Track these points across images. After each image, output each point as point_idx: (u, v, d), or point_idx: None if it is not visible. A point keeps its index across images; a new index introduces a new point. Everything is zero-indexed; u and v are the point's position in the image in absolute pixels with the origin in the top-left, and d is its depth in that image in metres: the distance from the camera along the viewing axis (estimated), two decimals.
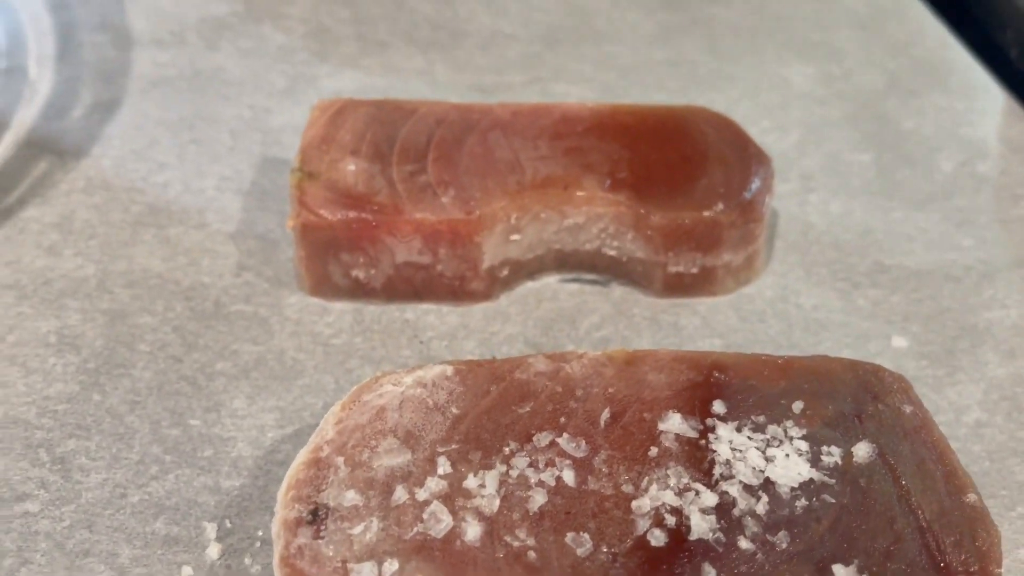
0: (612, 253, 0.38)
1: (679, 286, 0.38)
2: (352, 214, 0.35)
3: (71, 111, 0.44)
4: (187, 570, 0.28)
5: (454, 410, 0.28)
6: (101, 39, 0.48)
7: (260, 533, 0.29)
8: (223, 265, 0.38)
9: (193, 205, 0.40)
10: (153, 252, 0.38)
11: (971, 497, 0.28)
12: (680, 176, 0.38)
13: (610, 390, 0.29)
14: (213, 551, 0.29)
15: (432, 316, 0.37)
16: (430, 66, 0.50)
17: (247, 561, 0.29)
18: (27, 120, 0.43)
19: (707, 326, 0.38)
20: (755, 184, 0.38)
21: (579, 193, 0.37)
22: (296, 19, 0.52)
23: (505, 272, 0.38)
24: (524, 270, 0.39)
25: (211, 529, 0.29)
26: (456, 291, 0.37)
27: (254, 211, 0.41)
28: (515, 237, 0.37)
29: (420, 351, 0.36)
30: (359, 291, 0.37)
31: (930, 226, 0.43)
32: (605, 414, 0.29)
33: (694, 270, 0.38)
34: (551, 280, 0.39)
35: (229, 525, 0.30)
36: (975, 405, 0.35)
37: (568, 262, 0.39)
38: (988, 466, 0.33)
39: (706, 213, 0.36)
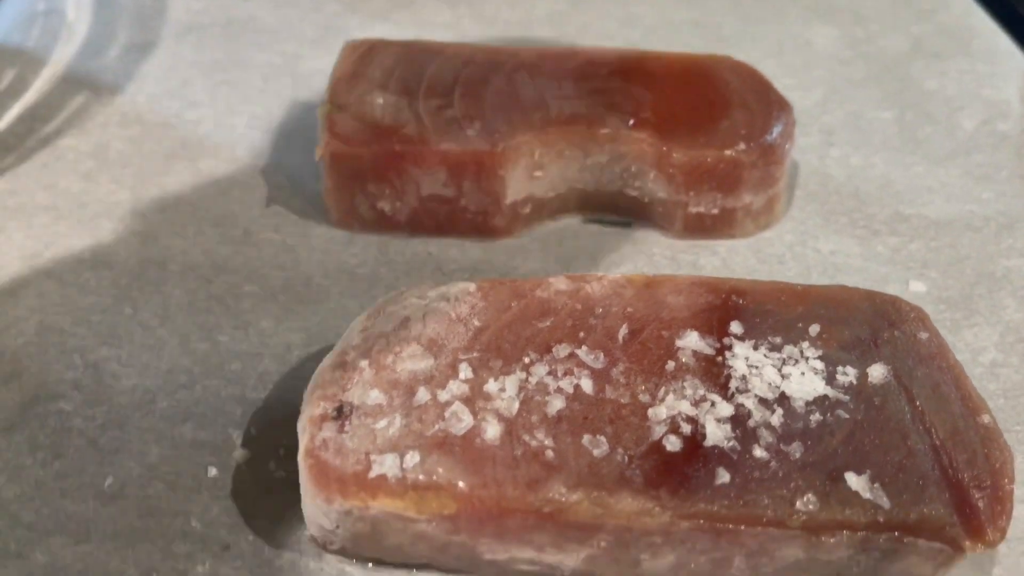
0: (634, 194, 0.39)
1: (699, 227, 0.39)
2: (379, 144, 0.36)
3: (108, 51, 0.45)
4: (213, 471, 0.29)
5: (476, 322, 0.29)
6: None
7: (284, 442, 0.30)
8: (252, 196, 0.39)
9: (224, 141, 0.41)
10: (185, 182, 0.39)
11: (985, 418, 0.28)
12: (702, 118, 0.38)
13: (629, 309, 0.30)
14: (239, 455, 0.30)
15: (455, 250, 0.38)
16: (458, 20, 0.51)
17: (271, 466, 0.29)
18: (64, 58, 0.44)
19: (726, 266, 0.38)
20: (776, 128, 0.38)
21: (602, 131, 0.37)
22: None
23: (528, 209, 0.39)
24: (546, 209, 0.39)
25: (237, 436, 0.30)
26: (479, 226, 0.38)
27: (283, 148, 0.41)
28: (538, 174, 0.38)
29: (442, 282, 0.36)
30: (384, 223, 0.38)
31: (950, 180, 0.43)
32: (623, 330, 0.29)
33: (714, 211, 0.38)
34: (573, 221, 0.40)
35: (254, 432, 0.30)
36: (991, 346, 0.35)
37: (590, 203, 0.40)
38: (1003, 403, 0.33)
39: (727, 152, 0.37)
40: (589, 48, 0.41)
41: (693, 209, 0.38)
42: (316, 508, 0.26)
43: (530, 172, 0.38)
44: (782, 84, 0.48)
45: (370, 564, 0.27)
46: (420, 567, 0.27)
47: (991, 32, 0.53)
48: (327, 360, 0.28)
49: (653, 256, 0.38)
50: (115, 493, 0.28)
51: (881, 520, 0.25)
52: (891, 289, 0.38)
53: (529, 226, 0.39)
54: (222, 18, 0.49)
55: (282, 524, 0.28)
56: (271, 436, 0.30)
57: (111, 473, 0.28)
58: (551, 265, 0.38)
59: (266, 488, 0.29)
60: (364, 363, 0.28)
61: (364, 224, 0.38)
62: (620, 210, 0.40)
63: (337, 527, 0.26)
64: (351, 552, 0.27)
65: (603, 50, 0.41)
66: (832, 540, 0.25)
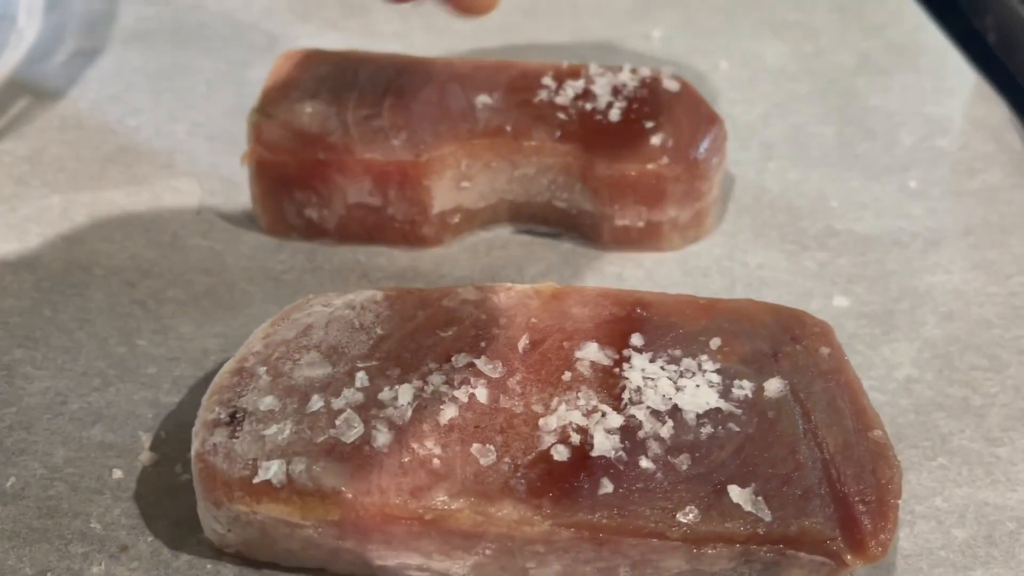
0: (562, 205, 0.39)
1: (626, 240, 0.39)
2: (303, 152, 0.36)
3: (54, 56, 0.45)
4: (118, 472, 0.29)
5: (379, 331, 0.30)
6: None
7: (193, 431, 0.30)
8: (185, 202, 0.39)
9: (162, 147, 0.42)
10: (118, 187, 0.39)
11: (876, 433, 0.28)
12: (629, 131, 0.38)
13: (533, 320, 0.30)
14: (144, 457, 0.30)
15: (383, 258, 0.38)
16: (409, 31, 0.52)
17: (177, 469, 0.30)
18: (10, 63, 0.45)
19: (650, 278, 0.38)
20: (704, 142, 0.39)
21: (529, 143, 0.38)
22: None
23: (456, 219, 0.39)
24: (477, 219, 0.40)
25: (146, 439, 0.31)
26: (407, 235, 0.38)
27: (220, 155, 0.42)
28: (465, 184, 0.38)
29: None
30: (313, 231, 0.38)
31: (884, 195, 0.43)
32: (524, 341, 0.30)
33: (640, 224, 0.39)
34: (504, 231, 0.40)
35: (164, 436, 0.31)
36: (908, 362, 0.36)
37: (521, 214, 0.40)
38: (913, 419, 0.34)
39: (650, 166, 0.37)
40: (523, 62, 0.42)
41: (619, 222, 0.39)
42: (207, 512, 0.26)
43: (457, 183, 0.38)
44: (727, 98, 0.49)
45: (265, 569, 0.28)
46: (314, 571, 0.28)
47: (941, 48, 0.53)
48: (227, 365, 0.29)
49: (579, 268, 0.39)
50: (16, 493, 0.28)
51: (761, 532, 0.26)
52: (815, 304, 0.38)
53: (459, 235, 0.40)
54: (171, 25, 0.49)
55: (182, 527, 0.28)
56: (180, 440, 0.31)
57: (14, 474, 0.29)
58: (477, 274, 0.38)
59: (169, 491, 0.29)
60: (262, 370, 0.28)
61: (293, 231, 0.38)
62: (550, 221, 0.40)
63: (229, 531, 0.27)
64: (247, 555, 0.27)
65: (536, 64, 0.41)
66: (713, 552, 0.26)
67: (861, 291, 0.39)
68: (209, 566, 0.28)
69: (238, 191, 0.40)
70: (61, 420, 0.31)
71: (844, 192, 0.43)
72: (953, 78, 0.51)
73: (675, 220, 0.39)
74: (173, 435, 0.31)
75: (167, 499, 0.29)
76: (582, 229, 0.40)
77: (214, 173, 0.41)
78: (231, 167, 0.41)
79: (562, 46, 0.51)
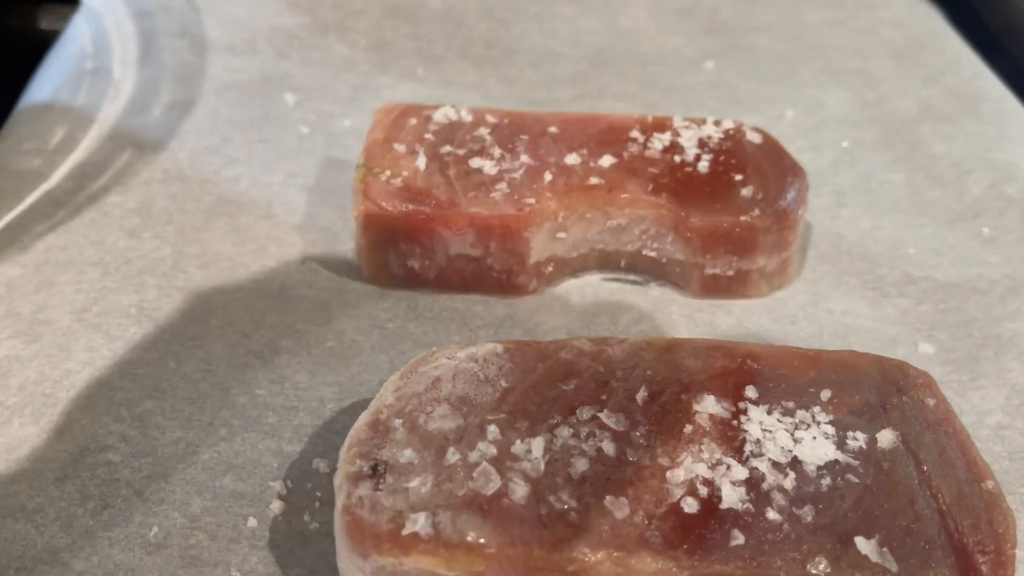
0: (652, 254, 0.41)
1: (715, 287, 0.40)
2: (411, 206, 0.38)
3: (151, 109, 0.47)
4: (252, 521, 0.31)
5: (503, 383, 0.31)
6: (179, 45, 0.52)
7: (319, 494, 0.32)
8: (288, 253, 0.41)
9: (261, 198, 0.43)
10: (224, 238, 0.41)
11: (989, 484, 0.29)
12: (719, 183, 0.40)
13: (649, 372, 0.32)
14: (276, 507, 0.31)
15: (480, 306, 0.40)
16: (483, 80, 0.53)
17: (306, 518, 0.31)
18: (111, 116, 0.46)
19: (741, 325, 0.40)
20: (790, 193, 0.40)
21: (623, 195, 0.39)
22: (360, 33, 0.55)
23: (550, 268, 0.40)
24: (568, 267, 0.41)
25: (274, 487, 0.32)
26: (503, 284, 0.40)
27: (317, 205, 0.43)
28: (561, 235, 0.39)
29: (468, 338, 0.38)
30: (414, 281, 0.40)
31: (958, 243, 0.44)
32: (643, 393, 0.31)
33: (730, 272, 0.40)
34: (593, 278, 0.41)
35: (290, 485, 0.32)
36: (997, 409, 0.37)
37: (610, 261, 0.41)
38: (1008, 465, 0.35)
39: (743, 218, 0.39)
40: (611, 114, 0.43)
41: (709, 270, 0.40)
42: (351, 562, 0.27)
43: (553, 233, 0.39)
44: (795, 146, 0.50)
45: None
46: None
47: (1000, 95, 0.54)
48: (362, 418, 0.30)
49: (671, 315, 0.40)
50: (160, 543, 0.30)
51: None
52: (900, 350, 0.39)
53: (551, 283, 0.41)
54: (259, 76, 0.51)
55: (317, 574, 0.29)
56: (306, 489, 0.32)
57: (156, 523, 0.30)
58: (572, 322, 0.39)
59: (301, 539, 0.30)
60: (397, 422, 0.29)
61: (394, 281, 0.40)
62: (638, 269, 0.41)
63: None
64: None
65: (623, 117, 0.43)
66: None
67: (945, 338, 0.40)
68: None
69: (337, 241, 0.42)
70: (194, 470, 0.32)
71: (919, 239, 0.44)
72: (1014, 125, 0.52)
73: (763, 269, 0.40)
74: (299, 484, 0.32)
75: (300, 548, 0.30)
76: (670, 277, 0.41)
77: (313, 224, 0.42)
78: (328, 217, 0.43)
79: (631, 95, 0.53)
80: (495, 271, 0.39)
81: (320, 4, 0.57)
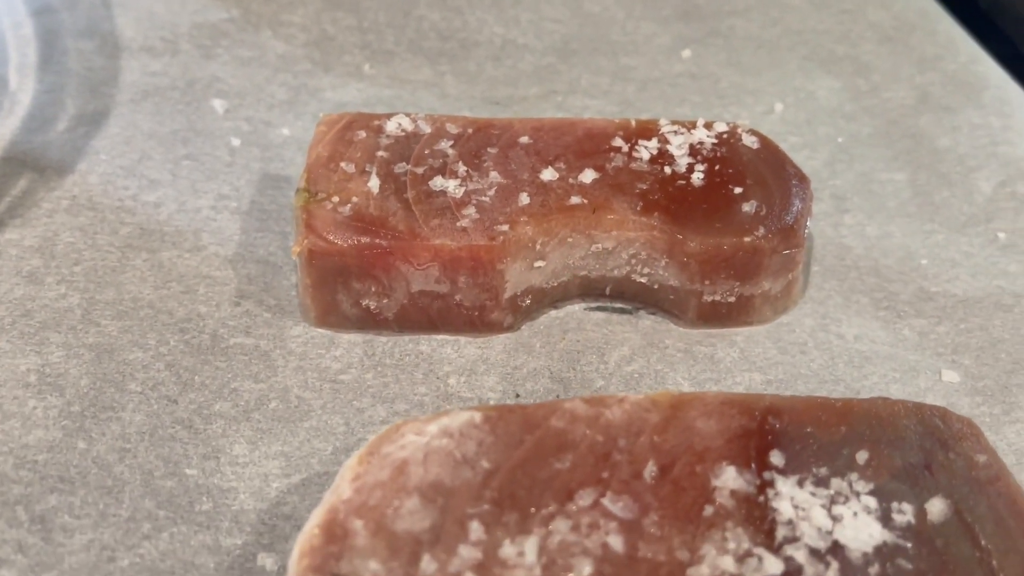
0: (642, 280, 0.36)
1: (714, 316, 0.36)
2: (364, 239, 0.32)
3: (54, 124, 0.40)
4: None
5: (485, 464, 0.25)
6: (88, 46, 0.45)
7: None
8: (221, 293, 0.35)
9: (188, 227, 0.37)
10: (144, 279, 0.35)
11: None
12: (717, 198, 0.35)
13: (656, 439, 0.27)
14: None
15: (449, 348, 0.34)
16: (439, 77, 0.48)
17: None
18: (6, 133, 0.40)
19: (745, 359, 0.35)
20: (796, 207, 0.35)
21: (609, 216, 0.34)
22: (297, 27, 0.49)
23: (528, 301, 0.35)
24: (548, 298, 0.36)
25: None
26: (475, 321, 0.34)
27: (254, 233, 0.37)
28: (539, 264, 0.34)
29: (437, 387, 0.33)
30: (370, 321, 0.34)
31: (974, 250, 0.40)
32: (652, 467, 0.26)
33: (731, 299, 0.35)
34: (575, 308, 0.36)
35: None
36: None
37: (594, 289, 0.36)
38: None
39: (747, 239, 0.34)
40: (588, 120, 0.38)
41: (708, 297, 0.35)
42: None
43: (531, 262, 0.34)
44: (788, 143, 0.45)
45: None
46: None
47: (1001, 81, 0.50)
48: (314, 518, 0.24)
49: (666, 350, 0.35)
50: None
51: None
52: (923, 380, 0.35)
53: (529, 317, 0.36)
54: (181, 80, 0.44)
55: None
56: None
57: None
58: (555, 363, 0.34)
59: None
60: (358, 524, 0.24)
61: (347, 322, 0.34)
62: (626, 296, 0.36)
63: None
64: None
65: (604, 122, 0.38)
66: None
67: (970, 363, 0.35)
68: None
69: (279, 275, 0.36)
70: None
71: (930, 248, 0.40)
72: (1019, 114, 0.48)
73: (768, 292, 0.36)
74: None
75: None
76: (663, 304, 0.36)
77: (249, 255, 0.36)
78: (267, 246, 0.37)
79: (604, 90, 0.48)
80: (465, 308, 0.34)
81: None
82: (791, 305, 0.37)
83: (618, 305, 0.37)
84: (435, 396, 0.33)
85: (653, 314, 0.36)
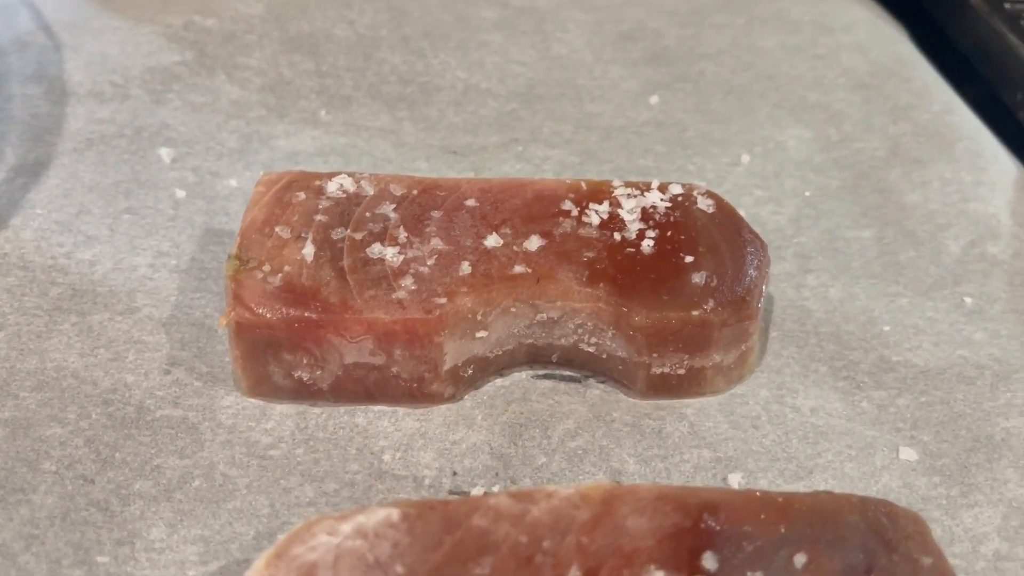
0: (590, 350, 0.34)
1: (664, 387, 0.34)
2: (293, 311, 0.31)
3: None
4: None
5: (399, 569, 0.24)
6: (34, 91, 0.44)
7: None
8: (151, 360, 0.34)
9: (122, 287, 0.36)
10: (71, 345, 0.34)
11: None
12: (666, 268, 0.34)
13: (583, 539, 0.25)
14: None
15: (386, 420, 0.33)
16: (397, 124, 0.46)
17: None
18: None
19: (694, 434, 0.34)
20: (749, 274, 0.34)
21: (553, 286, 0.33)
22: (253, 70, 0.48)
23: (470, 371, 0.34)
24: (492, 367, 0.35)
25: None
26: (414, 393, 0.33)
27: (191, 294, 0.36)
28: (481, 334, 0.33)
29: (370, 464, 0.32)
30: (304, 392, 0.33)
31: (939, 316, 0.39)
32: (576, 572, 0.24)
33: (680, 371, 0.34)
34: (522, 376, 0.35)
35: None
36: (994, 533, 0.31)
37: (541, 357, 0.35)
38: None
39: (694, 312, 0.32)
40: (538, 181, 0.37)
41: (656, 370, 0.34)
42: None
43: (472, 333, 0.33)
44: (753, 197, 0.44)
45: None
46: None
47: (975, 131, 0.49)
48: None
49: (612, 423, 0.34)
50: None
51: None
52: (879, 458, 0.33)
53: (472, 386, 0.34)
54: (129, 128, 0.43)
55: None
56: None
57: None
58: (496, 438, 0.33)
59: None
60: None
61: (280, 393, 0.33)
62: (575, 364, 0.35)
63: None
64: None
65: (554, 183, 0.36)
66: None
67: (928, 439, 0.34)
68: None
69: (213, 340, 0.35)
70: None
71: (894, 313, 0.39)
72: (993, 168, 0.47)
73: (719, 364, 0.34)
74: None
75: None
76: (613, 373, 0.35)
77: (184, 318, 0.35)
78: (203, 309, 0.36)
79: (567, 139, 0.47)
80: (403, 380, 0.33)
81: (207, 37, 0.49)
82: (746, 374, 0.36)
83: (567, 373, 0.35)
84: (367, 474, 0.31)
85: (603, 383, 0.35)
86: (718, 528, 0.26)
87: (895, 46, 0.55)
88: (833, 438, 0.34)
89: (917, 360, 0.37)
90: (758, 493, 0.27)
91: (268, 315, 0.31)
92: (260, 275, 0.32)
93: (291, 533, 0.25)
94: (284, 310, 0.31)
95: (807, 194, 0.45)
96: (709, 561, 0.25)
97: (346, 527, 0.25)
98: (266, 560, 0.24)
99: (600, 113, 0.49)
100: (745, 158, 0.46)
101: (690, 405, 0.35)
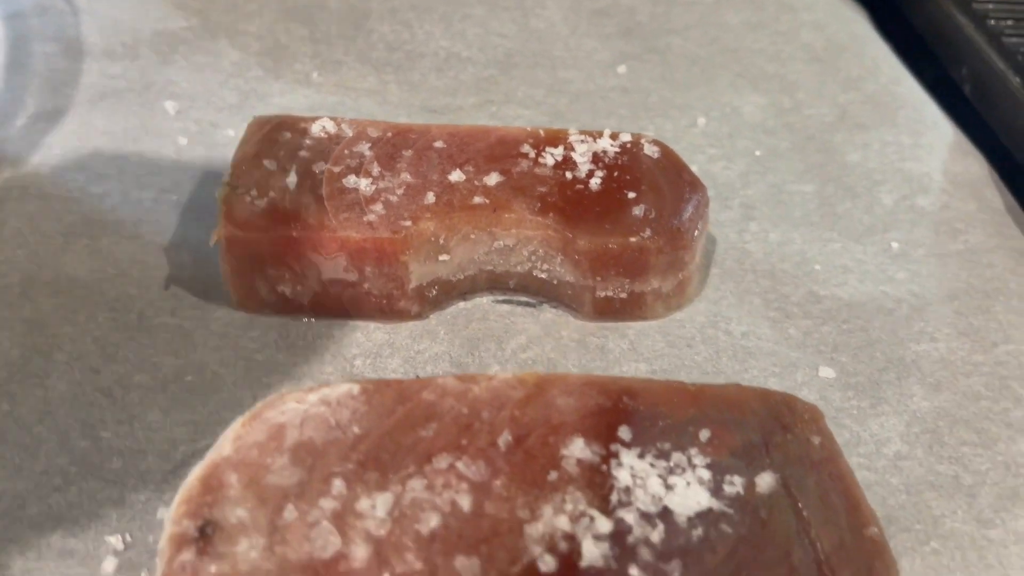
0: (543, 276, 0.38)
1: (609, 310, 0.38)
2: (276, 229, 0.35)
3: (14, 120, 0.44)
4: None
5: (356, 430, 0.28)
6: (53, 49, 0.49)
7: (159, 547, 0.29)
8: (152, 277, 0.38)
9: (129, 217, 0.40)
10: (82, 262, 0.38)
11: (872, 531, 0.28)
12: (610, 202, 0.38)
13: (516, 413, 0.29)
14: (109, 565, 0.28)
15: (359, 333, 0.37)
16: (383, 86, 0.51)
17: (143, 575, 0.28)
18: None
19: (634, 350, 0.38)
20: (686, 211, 0.38)
21: (508, 215, 0.37)
22: (252, 36, 0.52)
23: (435, 291, 0.38)
24: (456, 290, 0.39)
25: (110, 543, 0.29)
26: (384, 309, 0.37)
27: (190, 224, 0.41)
28: (444, 257, 0.37)
29: (342, 368, 0.36)
30: (286, 306, 0.37)
31: (867, 258, 0.43)
32: (507, 437, 0.28)
33: (623, 295, 0.38)
34: (483, 300, 0.39)
35: (129, 539, 0.29)
36: (896, 437, 0.35)
37: (500, 283, 0.39)
38: (904, 499, 0.33)
39: (632, 239, 0.36)
40: (502, 128, 0.41)
41: (601, 293, 0.38)
42: None
43: (435, 256, 0.37)
44: (707, 155, 0.48)
45: None
46: None
47: (919, 101, 0.53)
48: (195, 472, 0.27)
49: (561, 339, 0.38)
50: None
51: None
52: (800, 375, 0.37)
53: (437, 307, 0.38)
54: (138, 83, 0.48)
55: None
56: (147, 543, 0.29)
57: None
58: (456, 349, 0.37)
59: None
60: (233, 477, 0.27)
61: (265, 306, 0.37)
62: (531, 290, 0.39)
63: None
64: None
65: (516, 130, 0.41)
66: None
67: (847, 360, 0.38)
68: None
69: (208, 264, 0.39)
70: (19, 527, 0.29)
71: (826, 255, 0.43)
72: (931, 133, 0.51)
73: (658, 290, 0.38)
74: (139, 538, 0.29)
75: None
76: (563, 299, 0.39)
77: (183, 244, 0.40)
78: (200, 236, 0.40)
79: (538, 102, 0.51)
80: (374, 296, 0.37)
81: (211, 5, 0.54)
82: (685, 303, 0.40)
83: (523, 299, 0.39)
84: (340, 376, 0.35)
85: (555, 307, 0.39)
86: (635, 408, 0.30)
87: (852, 25, 0.59)
88: (760, 357, 0.38)
89: (842, 294, 0.41)
90: (675, 384, 0.31)
91: (254, 232, 0.35)
92: (248, 199, 0.36)
93: (265, 401, 0.29)
94: (268, 227, 0.35)
95: (757, 153, 0.49)
96: (624, 433, 0.29)
97: (313, 397, 0.29)
98: (242, 422, 0.28)
99: (571, 80, 0.53)
100: (701, 120, 0.50)
101: (632, 327, 0.39)
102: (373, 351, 0.37)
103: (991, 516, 0.33)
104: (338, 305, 0.37)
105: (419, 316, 0.38)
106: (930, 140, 0.50)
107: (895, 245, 0.43)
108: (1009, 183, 0.48)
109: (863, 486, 0.33)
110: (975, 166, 0.48)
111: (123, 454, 0.32)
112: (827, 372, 0.37)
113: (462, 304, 0.39)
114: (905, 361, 0.38)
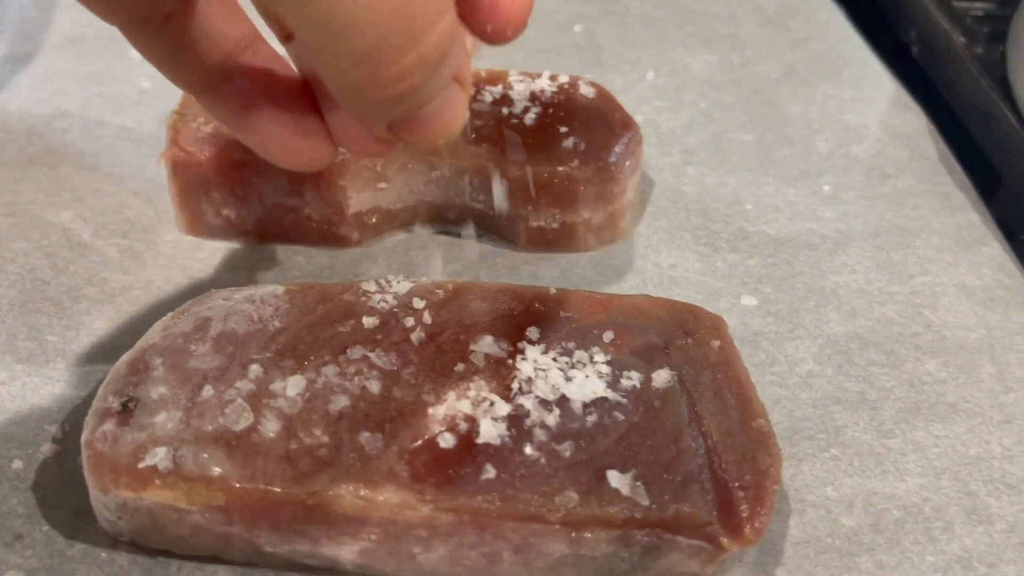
0: (479, 207, 0.40)
1: (542, 241, 0.40)
2: (219, 152, 0.37)
3: None
4: (17, 463, 0.30)
5: (277, 324, 0.30)
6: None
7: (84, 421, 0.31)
8: (107, 203, 0.40)
9: (88, 150, 0.42)
10: (40, 188, 0.40)
11: (759, 422, 0.29)
12: (543, 135, 0.39)
13: (432, 313, 0.31)
14: (47, 449, 0.30)
15: (300, 257, 0.39)
16: None
17: (79, 461, 0.30)
18: None
19: (564, 277, 0.39)
20: (617, 146, 0.40)
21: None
22: None
23: (375, 219, 0.40)
24: (396, 220, 0.40)
25: (49, 431, 0.31)
26: (326, 235, 0.39)
27: (147, 158, 0.43)
28: (382, 185, 0.39)
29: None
30: (232, 230, 0.39)
31: (798, 199, 0.44)
32: (421, 333, 0.30)
33: (555, 225, 0.40)
34: (424, 231, 0.41)
35: (68, 429, 0.31)
36: (809, 358, 0.37)
37: (440, 215, 0.41)
38: (811, 412, 0.35)
39: (560, 168, 0.38)
40: None
41: (534, 223, 0.40)
42: (98, 499, 0.27)
43: (374, 183, 0.39)
44: (653, 106, 0.50)
45: (159, 556, 0.28)
46: (207, 559, 0.28)
47: (864, 58, 0.55)
48: (124, 357, 0.29)
49: (495, 266, 0.40)
50: None
51: (639, 517, 0.26)
52: (723, 303, 0.39)
53: (379, 235, 0.40)
54: (106, 32, 0.50)
55: (79, 517, 0.29)
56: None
57: None
58: (393, 272, 0.39)
59: (69, 482, 0.30)
60: (158, 361, 0.29)
61: (212, 231, 0.39)
62: (469, 223, 0.41)
63: (120, 518, 0.27)
64: (140, 543, 0.28)
65: None
66: (592, 536, 0.26)
67: (769, 291, 0.40)
68: (103, 554, 0.28)
69: (162, 192, 0.41)
70: None
71: (759, 196, 0.44)
72: (873, 88, 0.52)
73: (589, 222, 0.40)
74: (76, 427, 0.31)
75: (66, 490, 0.29)
76: (500, 230, 0.41)
77: (139, 175, 0.42)
78: (156, 170, 0.42)
79: (492, 56, 0.52)
80: (315, 221, 0.39)
81: None
82: (618, 237, 0.41)
83: (463, 230, 0.41)
84: None
85: (493, 240, 0.41)
86: (546, 311, 0.32)
87: None
88: (685, 286, 0.40)
89: (771, 231, 0.43)
90: (586, 293, 0.33)
91: (197, 154, 0.37)
92: (195, 125, 0.38)
93: (195, 299, 0.31)
94: (211, 150, 0.37)
95: (702, 106, 0.50)
96: (533, 333, 0.31)
97: (240, 295, 0.31)
98: (172, 315, 0.30)
99: (527, 37, 0.54)
100: (651, 75, 0.52)
101: (565, 257, 0.40)
102: (313, 273, 0.38)
103: (891, 427, 0.34)
104: (281, 230, 0.39)
105: (360, 243, 0.40)
106: (871, 94, 0.52)
107: (826, 188, 0.45)
108: (946, 137, 0.49)
109: (773, 401, 0.35)
110: (913, 119, 0.50)
111: (67, 356, 0.34)
112: (749, 300, 0.39)
113: (403, 235, 0.41)
114: (825, 291, 0.40)
